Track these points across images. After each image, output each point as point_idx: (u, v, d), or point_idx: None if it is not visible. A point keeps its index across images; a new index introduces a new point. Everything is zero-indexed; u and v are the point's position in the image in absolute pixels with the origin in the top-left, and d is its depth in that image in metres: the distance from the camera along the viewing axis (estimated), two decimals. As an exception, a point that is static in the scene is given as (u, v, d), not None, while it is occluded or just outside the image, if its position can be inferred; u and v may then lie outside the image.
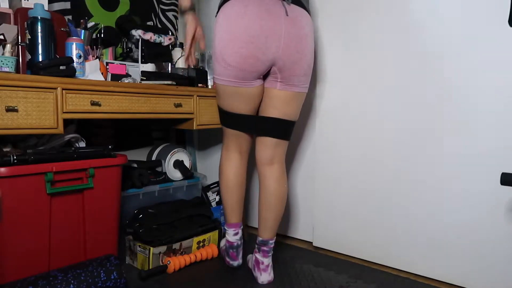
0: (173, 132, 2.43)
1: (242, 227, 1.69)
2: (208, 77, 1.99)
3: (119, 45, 2.03)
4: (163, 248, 1.66)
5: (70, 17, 1.87)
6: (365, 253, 1.80)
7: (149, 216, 1.73)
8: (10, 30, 1.42)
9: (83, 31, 1.72)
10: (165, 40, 1.98)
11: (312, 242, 2.01)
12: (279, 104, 1.48)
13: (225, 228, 1.68)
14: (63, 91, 1.36)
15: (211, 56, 2.08)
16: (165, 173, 2.00)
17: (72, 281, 1.28)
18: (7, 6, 1.49)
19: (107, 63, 1.70)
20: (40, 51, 1.40)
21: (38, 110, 1.30)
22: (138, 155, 2.21)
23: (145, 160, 2.15)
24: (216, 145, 2.44)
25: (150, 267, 1.62)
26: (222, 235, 1.93)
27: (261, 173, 1.57)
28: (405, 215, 1.67)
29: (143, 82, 1.68)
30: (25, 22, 1.42)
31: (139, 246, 1.67)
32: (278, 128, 1.51)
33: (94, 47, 1.75)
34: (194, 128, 1.81)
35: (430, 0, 1.55)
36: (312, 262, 1.78)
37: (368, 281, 1.60)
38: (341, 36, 1.82)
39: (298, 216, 2.07)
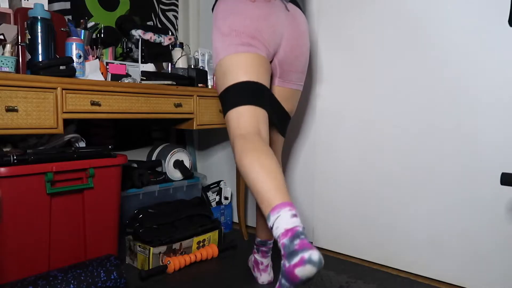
0: (173, 132, 2.43)
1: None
2: (208, 77, 1.99)
3: (119, 45, 2.03)
4: (163, 248, 1.66)
5: (70, 17, 1.87)
6: (365, 253, 1.80)
7: (149, 216, 1.73)
8: (10, 30, 1.42)
9: (83, 31, 1.72)
10: (165, 40, 1.99)
11: (312, 242, 2.01)
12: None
13: (271, 215, 0.98)
14: (63, 91, 1.36)
15: (211, 56, 2.08)
16: (165, 173, 2.00)
17: (72, 281, 1.28)
18: (7, 6, 1.49)
19: (107, 63, 1.70)
20: (40, 51, 1.40)
21: (38, 110, 1.30)
22: (138, 155, 2.21)
23: (145, 160, 2.15)
24: (216, 145, 2.44)
25: (150, 267, 1.62)
26: (222, 236, 1.92)
27: None
28: (405, 215, 1.67)
29: (143, 82, 1.68)
30: (25, 22, 1.42)
31: (139, 246, 1.67)
32: (279, 117, 1.47)
33: (94, 47, 1.75)
34: (194, 128, 1.81)
35: (430, 0, 1.55)
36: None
37: (368, 281, 1.60)
38: (339, 36, 1.82)
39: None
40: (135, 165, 1.89)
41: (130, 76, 1.68)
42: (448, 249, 1.56)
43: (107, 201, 1.53)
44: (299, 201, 2.05)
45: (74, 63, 1.49)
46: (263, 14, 1.30)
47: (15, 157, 1.30)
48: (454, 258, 1.55)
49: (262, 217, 1.56)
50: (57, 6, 1.84)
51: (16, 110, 1.25)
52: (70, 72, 1.41)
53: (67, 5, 1.88)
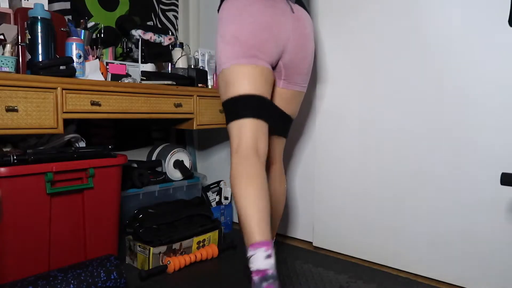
0: (173, 132, 2.43)
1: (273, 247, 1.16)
2: (208, 77, 1.99)
3: (119, 45, 2.03)
4: (163, 248, 1.66)
5: (70, 17, 1.87)
6: (365, 253, 1.80)
7: (149, 216, 1.73)
8: (10, 30, 1.42)
9: (83, 31, 1.72)
10: (165, 40, 1.99)
11: (312, 242, 2.01)
12: (280, 102, 1.48)
13: (250, 249, 1.13)
14: (63, 91, 1.36)
15: (211, 56, 2.08)
16: (165, 173, 2.00)
17: (72, 281, 1.28)
18: (7, 6, 1.49)
19: (107, 63, 1.70)
20: (40, 51, 1.40)
21: (38, 110, 1.30)
22: (138, 155, 2.21)
23: (145, 160, 2.15)
24: (216, 145, 2.44)
25: (150, 267, 1.62)
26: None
27: None
28: (405, 215, 1.67)
29: (143, 82, 1.68)
30: (25, 22, 1.42)
31: (139, 246, 1.67)
32: (280, 124, 1.49)
33: (94, 47, 1.75)
34: (194, 128, 1.81)
35: (430, 0, 1.55)
36: (312, 262, 1.78)
37: (368, 281, 1.60)
38: (341, 36, 1.82)
39: (298, 216, 2.07)
40: (135, 165, 1.89)
41: (130, 76, 1.68)
42: (448, 249, 1.56)
43: (107, 201, 1.53)
44: (299, 201, 2.06)
45: (74, 63, 1.49)
46: (267, 21, 1.29)
47: (15, 157, 1.30)
48: (454, 258, 1.55)
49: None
50: (57, 6, 1.84)
51: (16, 110, 1.25)
52: (70, 72, 1.41)
53: (67, 5, 1.88)
